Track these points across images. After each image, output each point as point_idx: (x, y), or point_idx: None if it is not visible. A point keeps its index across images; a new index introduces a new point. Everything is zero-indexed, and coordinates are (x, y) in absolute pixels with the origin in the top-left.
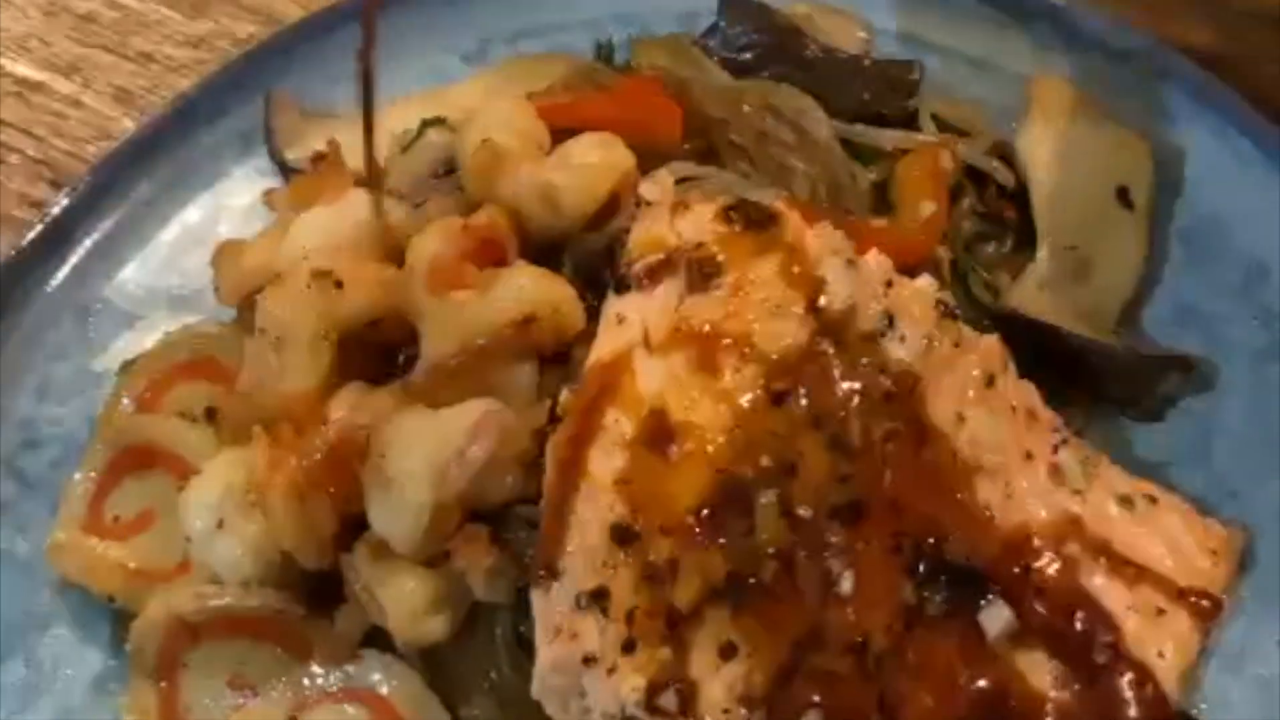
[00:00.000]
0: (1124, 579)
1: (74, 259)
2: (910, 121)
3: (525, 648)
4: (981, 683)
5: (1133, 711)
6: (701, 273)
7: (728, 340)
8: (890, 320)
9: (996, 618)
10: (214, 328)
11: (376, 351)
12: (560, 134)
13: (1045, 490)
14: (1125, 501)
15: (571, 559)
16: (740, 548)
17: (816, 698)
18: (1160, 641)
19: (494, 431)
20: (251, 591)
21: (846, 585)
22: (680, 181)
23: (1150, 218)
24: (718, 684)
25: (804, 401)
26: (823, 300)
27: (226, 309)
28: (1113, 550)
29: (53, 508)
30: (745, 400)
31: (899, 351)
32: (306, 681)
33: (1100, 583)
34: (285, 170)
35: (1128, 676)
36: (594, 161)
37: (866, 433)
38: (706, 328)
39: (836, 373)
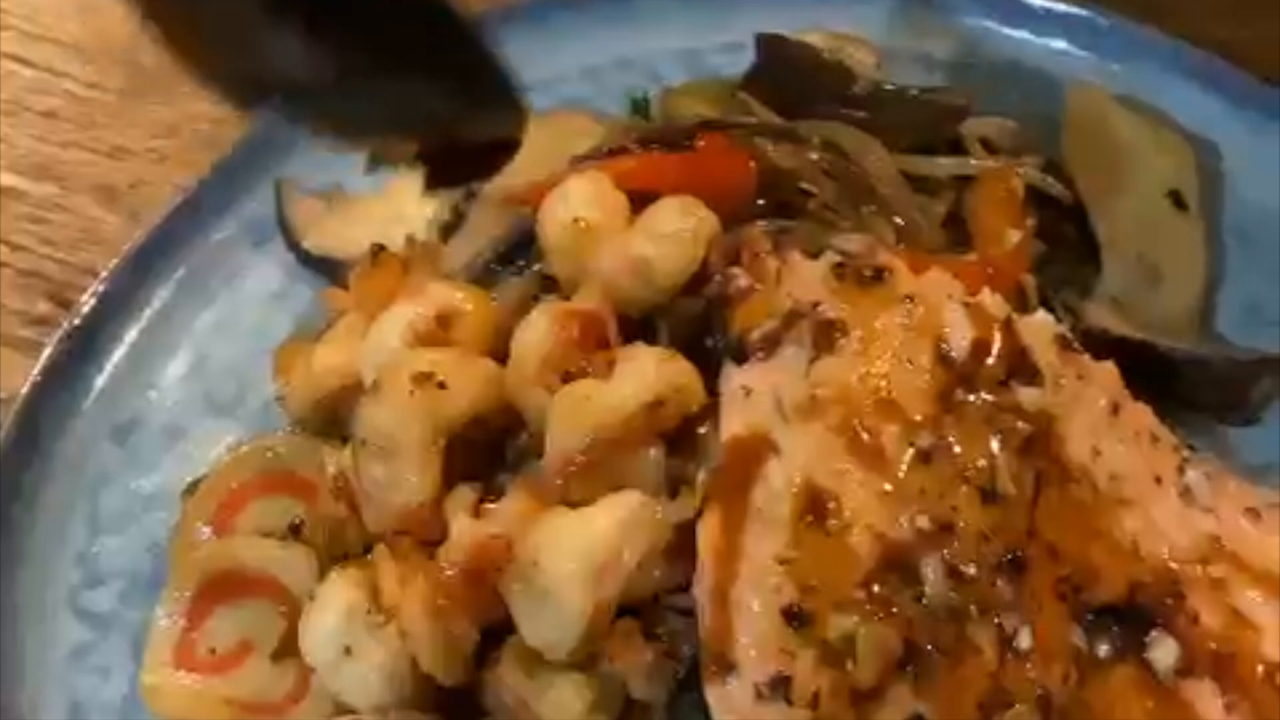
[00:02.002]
0: (1268, 592)
1: (101, 379)
2: (957, 147)
3: None
4: (1161, 718)
5: None
6: (826, 335)
7: (865, 402)
8: (1018, 360)
9: (1165, 652)
10: (283, 439)
11: (477, 449)
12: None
13: (1180, 513)
14: (1253, 513)
15: (745, 649)
16: (914, 615)
17: None
18: None
19: (647, 526)
20: (390, 715)
21: (1025, 640)
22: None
23: (1205, 218)
24: None
25: (950, 456)
26: (949, 348)
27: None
28: (1255, 565)
29: (133, 647)
30: (893, 462)
31: (1031, 392)
32: None
33: (1251, 599)
34: (308, 259)
35: None
36: (682, 228)
37: (1015, 481)
38: (841, 391)
39: (976, 422)
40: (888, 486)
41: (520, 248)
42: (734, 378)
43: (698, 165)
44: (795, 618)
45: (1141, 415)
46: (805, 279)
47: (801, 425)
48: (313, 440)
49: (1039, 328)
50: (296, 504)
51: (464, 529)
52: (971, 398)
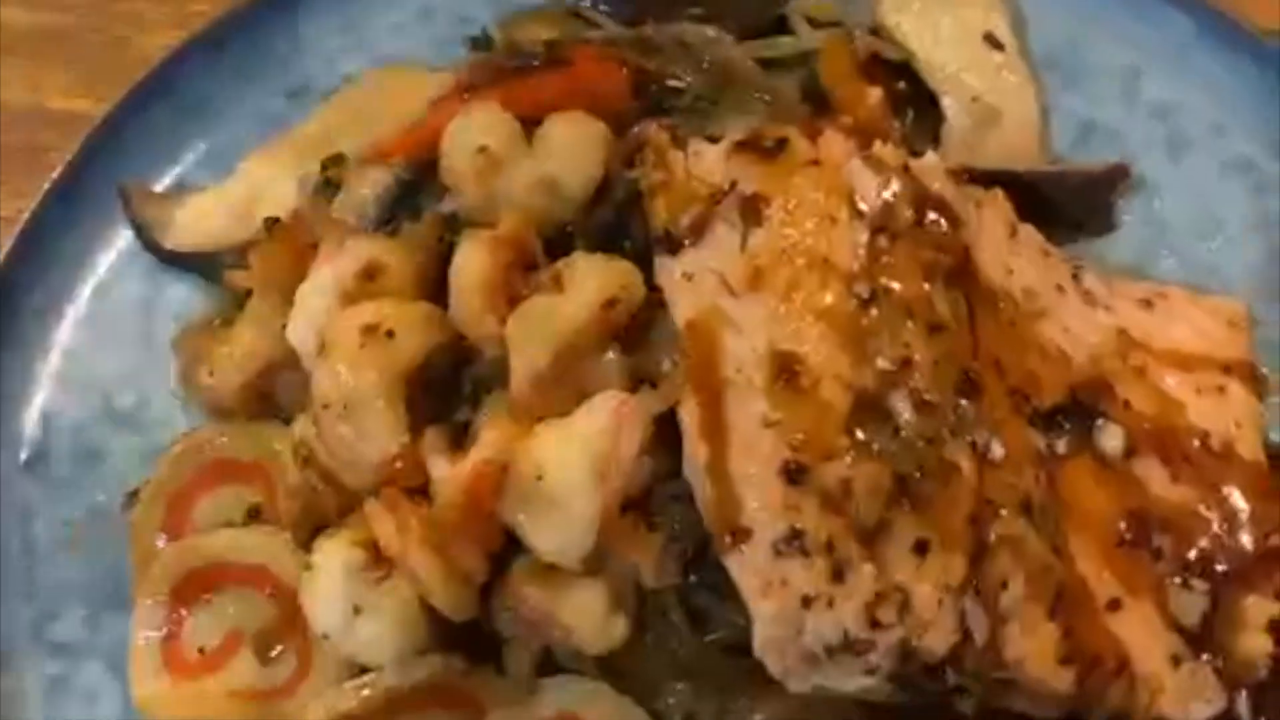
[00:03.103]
0: (1182, 370)
1: None
2: (783, 27)
3: (700, 621)
4: (1122, 500)
5: (1237, 487)
6: (751, 209)
7: (802, 264)
8: (922, 200)
9: (1112, 438)
10: (214, 431)
11: (429, 392)
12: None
13: (1087, 315)
14: (1146, 304)
15: (753, 514)
16: (896, 449)
17: (1009, 562)
18: (1232, 414)
19: (636, 419)
20: (410, 664)
21: (997, 451)
22: None
23: (1021, 54)
24: (924, 582)
25: (890, 298)
26: (861, 201)
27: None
28: (1160, 349)
29: (111, 668)
30: (841, 314)
31: (941, 226)
32: None
33: (1168, 379)
34: (172, 258)
35: (1220, 455)
36: (582, 141)
37: (951, 309)
38: (778, 258)
39: (903, 263)
40: (842, 337)
41: (404, 197)
42: (671, 268)
43: (577, 80)
44: (792, 474)
45: (1032, 233)
46: (712, 163)
47: (750, 297)
48: (245, 425)
49: (930, 167)
50: (246, 491)
51: (453, 464)
52: (892, 242)
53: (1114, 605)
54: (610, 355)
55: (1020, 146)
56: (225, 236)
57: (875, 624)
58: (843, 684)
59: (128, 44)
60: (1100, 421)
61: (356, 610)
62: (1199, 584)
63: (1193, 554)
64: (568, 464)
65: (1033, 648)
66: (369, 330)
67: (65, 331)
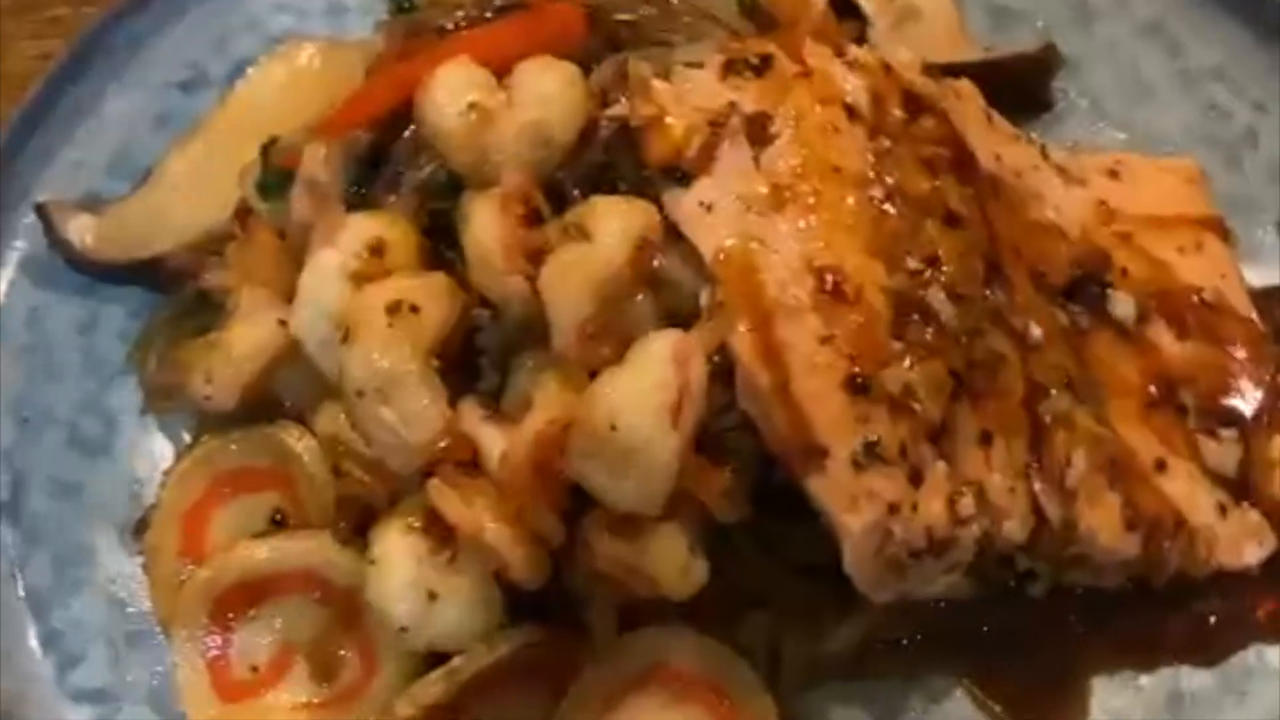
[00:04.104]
0: (1160, 232)
1: None
2: None
3: (770, 549)
4: (1144, 364)
5: (1237, 335)
6: (757, 128)
7: (816, 175)
8: (909, 97)
9: (1124, 306)
10: (218, 441)
11: (450, 363)
12: None
13: (1066, 191)
14: (1112, 174)
15: (826, 431)
16: (943, 345)
17: (1066, 440)
18: (1215, 268)
19: (698, 355)
20: (494, 641)
21: (1035, 333)
22: None
23: None
24: (994, 471)
25: (905, 197)
26: (855, 105)
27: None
28: (1136, 215)
29: (154, 703)
30: (864, 220)
31: (931, 119)
32: None
33: (1152, 242)
34: (106, 273)
35: (1215, 307)
36: (557, 85)
37: (961, 200)
38: (794, 173)
39: (908, 161)
40: (870, 243)
41: (368, 169)
42: (685, 200)
43: (537, 24)
44: (857, 386)
45: (1000, 119)
46: (705, 88)
47: (776, 216)
48: (252, 430)
49: (908, 65)
50: (263, 497)
51: (504, 431)
52: (893, 143)
53: (1160, 466)
54: (643, 296)
55: (944, 39)
56: (161, 241)
57: (957, 521)
58: (925, 586)
59: None
60: (1109, 292)
61: (432, 596)
62: (1227, 433)
63: (1215, 405)
64: (641, 410)
65: (1101, 519)
66: (394, 309)
67: (8, 368)
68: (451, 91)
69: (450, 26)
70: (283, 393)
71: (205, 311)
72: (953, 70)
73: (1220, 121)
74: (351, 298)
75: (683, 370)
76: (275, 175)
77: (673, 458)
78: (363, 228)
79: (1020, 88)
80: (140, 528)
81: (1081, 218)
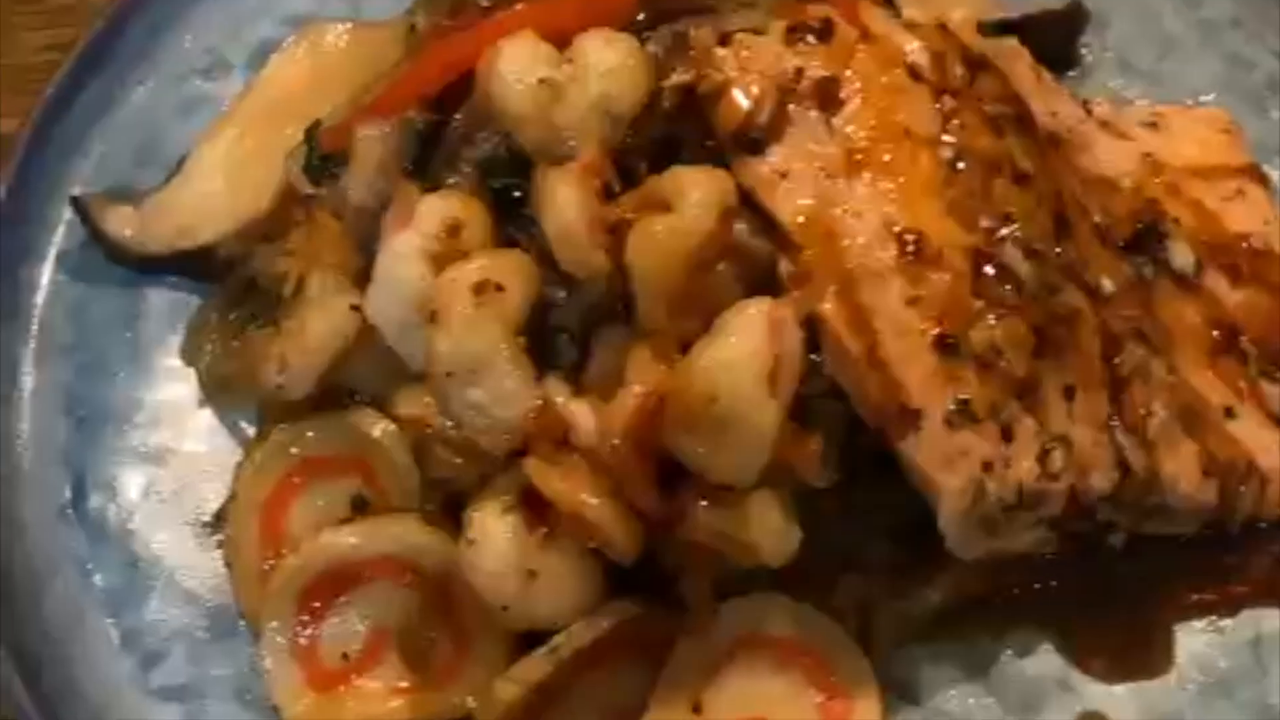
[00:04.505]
0: (1204, 182)
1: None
2: None
3: (857, 512)
4: (1205, 313)
5: None
6: (828, 94)
7: (888, 138)
8: (967, 56)
9: (1182, 256)
10: (291, 430)
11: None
12: None
13: (1113, 145)
14: (1151, 126)
15: (919, 393)
16: (1022, 302)
17: (1143, 390)
18: (1258, 214)
19: (792, 323)
20: (600, 614)
21: (1107, 286)
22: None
23: None
24: (1080, 425)
25: (974, 156)
26: (917, 66)
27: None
28: (1179, 166)
29: (240, 697)
30: (937, 180)
31: (990, 78)
32: None
33: (1199, 191)
34: (147, 264)
35: (1263, 253)
36: (619, 57)
37: (1027, 156)
38: (867, 136)
39: (973, 120)
40: (946, 203)
41: (425, 148)
42: (757, 167)
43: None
44: (945, 347)
45: (1047, 74)
46: (770, 54)
47: (853, 180)
48: (327, 418)
49: (960, 22)
50: (340, 484)
51: (593, 407)
52: (957, 103)
53: (1229, 413)
54: (724, 265)
55: None
56: (204, 230)
57: (1048, 475)
58: (1014, 542)
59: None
60: (1167, 243)
61: (531, 575)
62: None
63: (1273, 349)
64: (740, 380)
65: (1181, 467)
66: (480, 289)
67: (55, 366)
68: (519, 67)
69: (489, 4)
70: (352, 378)
71: (254, 299)
72: (982, 29)
73: (1243, 70)
74: (436, 279)
75: (778, 338)
76: (322, 158)
77: (773, 426)
78: (439, 208)
79: (1048, 44)
80: (218, 521)
81: (1131, 170)
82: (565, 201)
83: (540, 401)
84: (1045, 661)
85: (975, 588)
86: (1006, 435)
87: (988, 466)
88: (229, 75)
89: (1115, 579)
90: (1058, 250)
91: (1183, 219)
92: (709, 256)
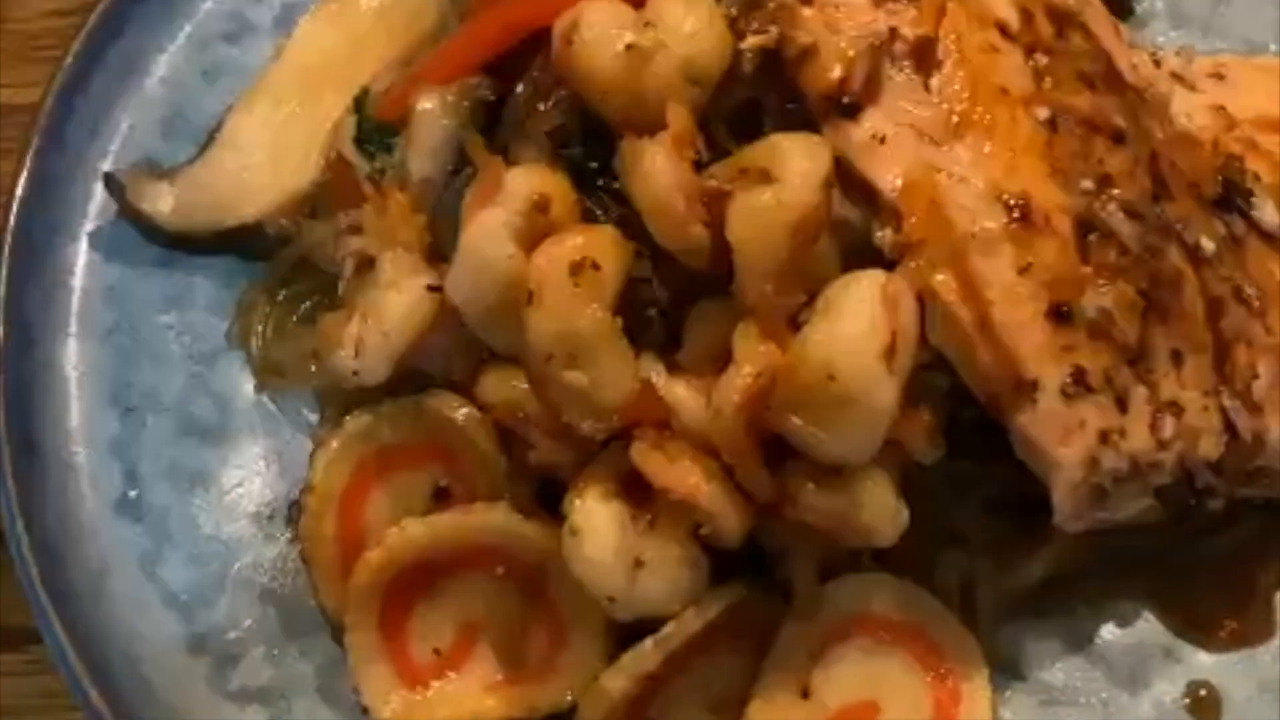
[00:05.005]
0: (1275, 133)
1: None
2: None
3: (960, 486)
4: None
5: None
6: (925, 53)
7: (985, 98)
8: (1054, 13)
9: (1267, 212)
10: (368, 417)
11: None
12: None
13: (1187, 98)
14: (1218, 78)
15: (1035, 364)
16: (1127, 264)
17: (1246, 352)
18: None
19: (908, 296)
20: (708, 600)
21: (1207, 246)
22: None
23: None
24: (1186, 390)
25: (1070, 116)
26: (1007, 23)
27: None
28: (1250, 118)
29: (326, 696)
30: (1037, 142)
31: (1077, 33)
32: None
33: (1274, 145)
34: (189, 242)
35: None
36: (700, 17)
37: (1120, 114)
38: (965, 97)
39: (1065, 78)
40: (1047, 165)
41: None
42: (854, 131)
43: None
44: (1059, 315)
45: (1122, 26)
46: (861, 13)
47: (955, 143)
48: (404, 403)
49: None
50: (420, 473)
51: (692, 387)
52: (1049, 60)
53: None
54: (825, 240)
55: None
56: (246, 205)
57: (1160, 444)
58: (1121, 512)
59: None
60: (1254, 200)
61: (638, 564)
62: None
63: None
64: (858, 357)
65: None
66: (577, 268)
67: (97, 354)
68: (603, 32)
69: None
70: (427, 361)
71: (304, 278)
72: None
73: None
74: (531, 259)
75: (894, 312)
76: (374, 129)
77: (891, 405)
78: (526, 183)
79: None
80: (293, 514)
81: (1205, 125)
82: (660, 173)
83: (642, 383)
84: (1149, 631)
85: (1077, 559)
86: (1121, 404)
87: (1104, 437)
88: (254, 39)
89: (1214, 545)
90: (1157, 211)
91: (1263, 173)
92: (813, 229)
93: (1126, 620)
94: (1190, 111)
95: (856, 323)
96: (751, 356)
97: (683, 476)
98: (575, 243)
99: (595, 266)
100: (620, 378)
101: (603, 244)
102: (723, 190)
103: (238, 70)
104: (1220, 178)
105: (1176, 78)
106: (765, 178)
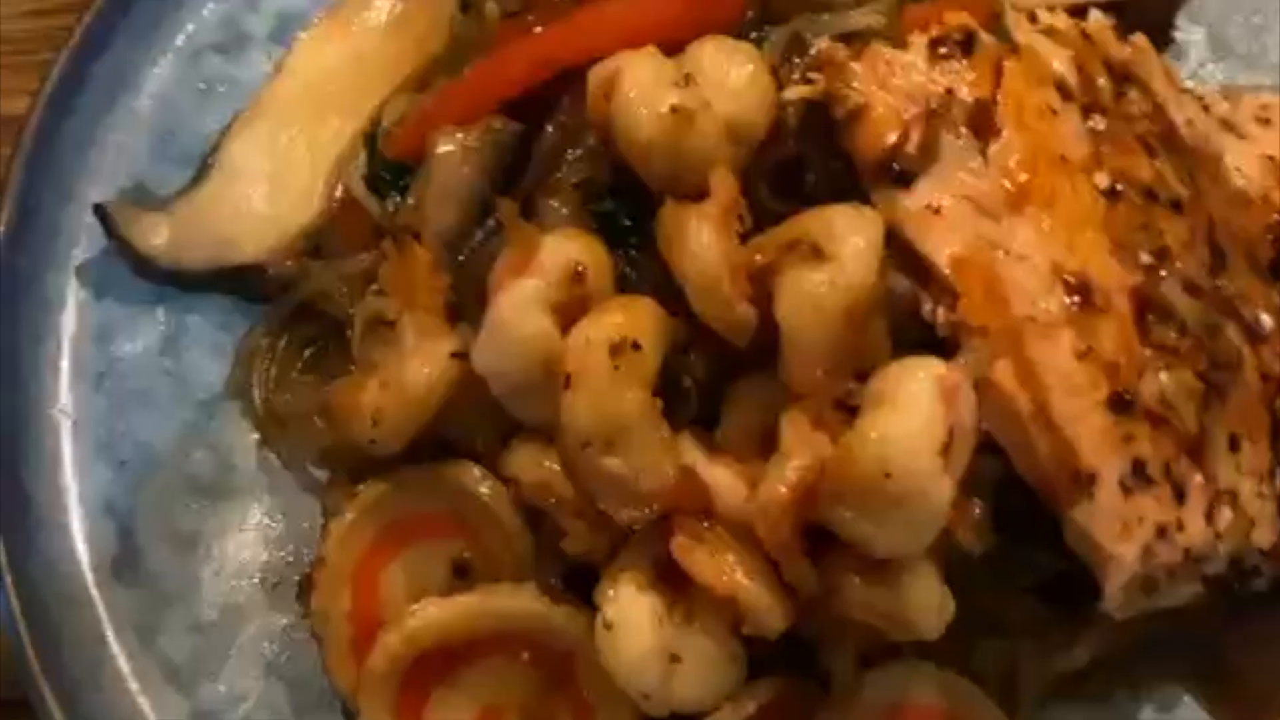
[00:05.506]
0: None
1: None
2: None
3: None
4: None
5: None
6: (983, 119)
7: (1045, 168)
8: (1112, 66)
9: None
10: (384, 486)
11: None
12: None
13: (1236, 145)
14: (1263, 121)
15: (1093, 456)
16: (1186, 347)
17: None
18: None
19: (962, 387)
20: (745, 694)
21: (1266, 322)
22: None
23: None
24: (1244, 478)
25: (1129, 183)
26: (1066, 82)
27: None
28: None
29: None
30: (1097, 214)
31: (1134, 88)
32: None
33: None
34: (179, 279)
35: None
36: (744, 71)
37: (1179, 178)
38: (1025, 167)
39: (1125, 140)
40: (1108, 239)
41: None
42: (907, 201)
43: None
44: (1120, 403)
45: (1173, 69)
46: (916, 71)
47: (1015, 218)
48: (422, 472)
49: (1098, 28)
50: (439, 546)
51: (733, 472)
52: (1106, 122)
53: None
54: (879, 323)
55: None
56: (246, 242)
57: (1216, 535)
58: (1172, 600)
59: None
60: None
61: (674, 659)
62: None
63: None
64: (915, 455)
65: None
66: (617, 349)
67: (86, 400)
68: (646, 91)
69: None
70: (449, 429)
71: (306, 322)
72: (1080, 9)
73: None
74: (568, 339)
75: (952, 406)
76: (386, 167)
77: (947, 503)
78: (561, 253)
79: (1145, 25)
80: (303, 588)
81: (1256, 177)
82: (706, 249)
83: (682, 470)
84: (1190, 715)
85: (1118, 641)
86: (1179, 495)
87: (1161, 531)
88: (249, 51)
89: (1256, 624)
90: (1216, 285)
91: None
92: (868, 311)
93: (1168, 704)
94: (1240, 164)
95: (913, 418)
96: (799, 448)
97: (725, 574)
98: (615, 321)
99: (636, 346)
100: (660, 464)
101: (643, 320)
102: (770, 265)
103: (233, 85)
104: (1272, 238)
105: (1226, 125)
106: (816, 254)
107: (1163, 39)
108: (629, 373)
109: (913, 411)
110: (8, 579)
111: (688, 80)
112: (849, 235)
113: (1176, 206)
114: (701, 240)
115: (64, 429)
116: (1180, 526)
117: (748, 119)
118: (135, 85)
